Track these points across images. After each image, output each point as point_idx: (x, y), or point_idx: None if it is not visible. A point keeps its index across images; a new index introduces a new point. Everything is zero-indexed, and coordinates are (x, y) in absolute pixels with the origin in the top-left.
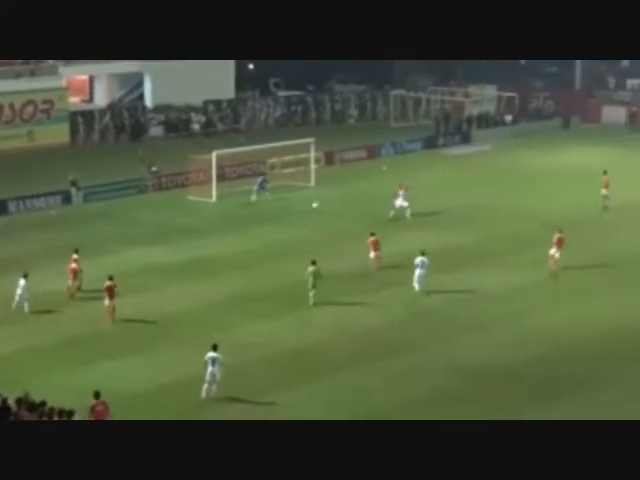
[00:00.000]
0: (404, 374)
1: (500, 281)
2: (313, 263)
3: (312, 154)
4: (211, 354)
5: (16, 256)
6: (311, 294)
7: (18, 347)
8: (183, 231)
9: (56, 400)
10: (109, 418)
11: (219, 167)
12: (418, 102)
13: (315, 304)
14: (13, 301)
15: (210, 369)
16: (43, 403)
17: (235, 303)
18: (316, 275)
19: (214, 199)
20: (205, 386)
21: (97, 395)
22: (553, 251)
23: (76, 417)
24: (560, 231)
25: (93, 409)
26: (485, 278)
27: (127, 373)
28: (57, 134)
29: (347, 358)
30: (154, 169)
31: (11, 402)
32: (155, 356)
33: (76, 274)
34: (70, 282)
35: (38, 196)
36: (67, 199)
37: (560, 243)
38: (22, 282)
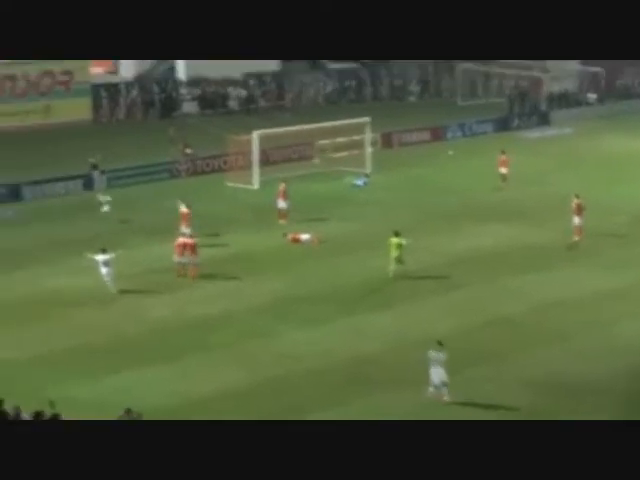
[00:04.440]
0: (476, 388)
1: (586, 284)
2: (396, 234)
3: (368, 136)
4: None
5: (27, 248)
6: (392, 267)
7: (33, 352)
8: (219, 222)
9: (72, 414)
10: None
11: (261, 149)
12: (489, 78)
13: (394, 278)
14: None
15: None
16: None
17: (279, 306)
18: (399, 247)
19: (255, 186)
20: None
21: (128, 411)
22: (576, 220)
23: None
24: (577, 196)
25: None
26: (569, 280)
27: (153, 385)
28: (77, 110)
29: (409, 371)
30: (188, 151)
31: (26, 416)
32: (186, 366)
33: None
34: (176, 258)
35: (56, 181)
36: (89, 184)
37: (580, 210)
38: (101, 257)
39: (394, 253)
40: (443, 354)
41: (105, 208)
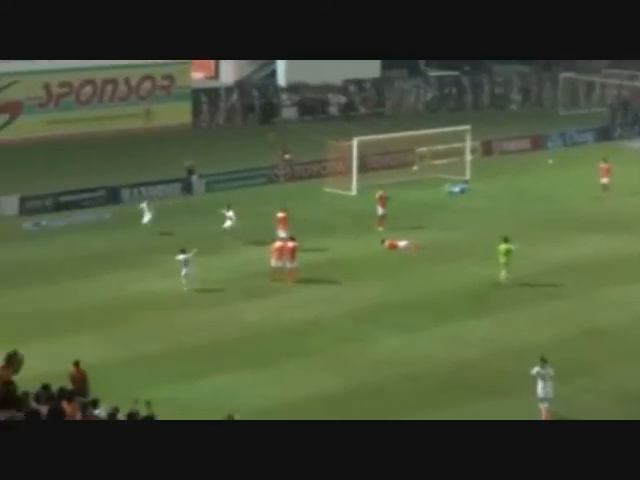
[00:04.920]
0: (573, 398)
1: None
2: (505, 240)
3: (468, 143)
4: None
5: (123, 251)
6: (503, 274)
7: (129, 354)
8: (317, 228)
9: (168, 416)
10: None
11: (360, 156)
12: (591, 87)
13: (505, 285)
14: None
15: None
16: (151, 418)
17: (376, 312)
18: (508, 254)
19: (354, 192)
20: None
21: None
22: (604, 180)
23: None
24: (605, 160)
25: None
26: None
27: (248, 388)
28: (178, 114)
29: (507, 379)
30: (287, 156)
31: (121, 417)
32: (279, 370)
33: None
34: (274, 262)
35: (155, 184)
36: (187, 188)
37: (608, 172)
38: (182, 257)
39: (502, 259)
40: (550, 369)
41: (146, 219)
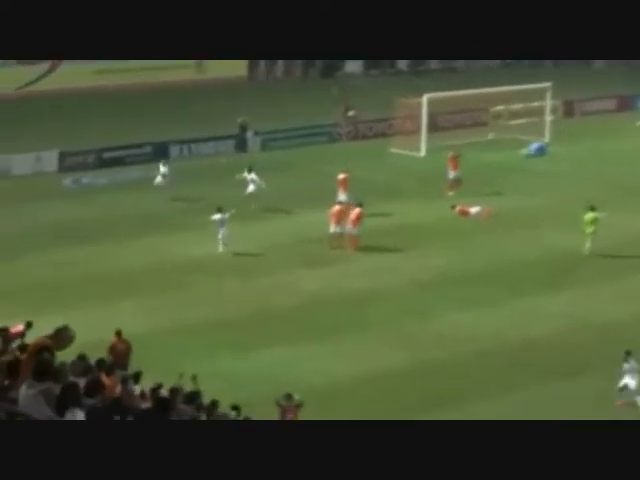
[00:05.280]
0: None
1: None
2: (592, 209)
3: (548, 102)
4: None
5: (170, 212)
6: (587, 245)
7: (170, 323)
8: (381, 191)
9: (216, 391)
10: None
11: (430, 114)
12: None
13: (587, 256)
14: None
15: None
16: (197, 394)
17: (443, 284)
18: (594, 223)
19: (422, 153)
20: None
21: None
22: None
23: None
24: None
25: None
26: None
27: (305, 362)
28: (232, 66)
29: (582, 358)
30: (350, 113)
31: (164, 392)
32: (337, 344)
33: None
34: (332, 227)
35: (206, 140)
36: (241, 145)
37: None
38: (217, 217)
39: (589, 229)
40: (635, 363)
41: (158, 179)
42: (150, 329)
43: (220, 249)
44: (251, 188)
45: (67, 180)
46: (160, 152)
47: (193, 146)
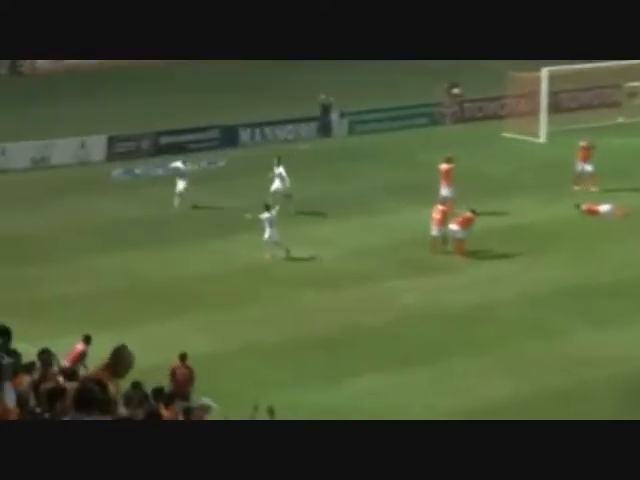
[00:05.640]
0: None
1: None
2: None
3: None
4: None
5: (241, 207)
6: None
7: (240, 343)
8: (492, 185)
9: None
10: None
11: (551, 92)
12: None
13: None
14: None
15: None
16: None
17: (567, 297)
18: None
19: (542, 139)
20: None
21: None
22: None
23: None
24: None
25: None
26: None
27: (396, 395)
28: None
29: None
30: (455, 91)
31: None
32: (441, 370)
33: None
34: (434, 230)
35: (283, 123)
36: (325, 129)
37: None
38: (266, 215)
39: None
40: None
41: (180, 187)
42: (216, 350)
43: (267, 255)
44: (277, 185)
45: (117, 171)
46: (228, 137)
47: (267, 129)
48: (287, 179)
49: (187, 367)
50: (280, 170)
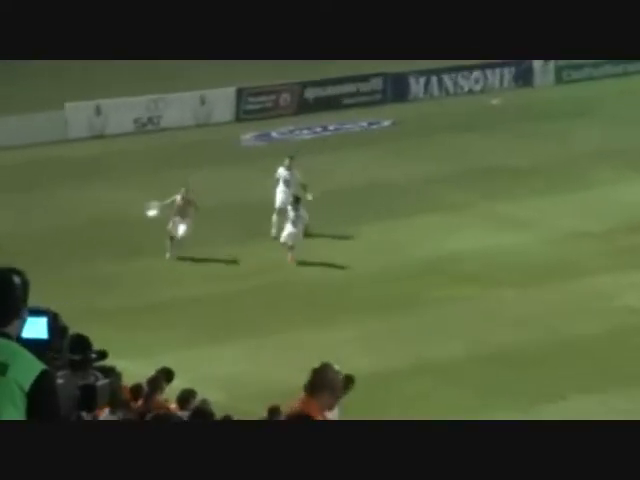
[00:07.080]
0: None
1: None
2: None
3: None
4: None
5: (420, 179)
6: None
7: (410, 360)
8: None
9: None
10: None
11: None
12: None
13: None
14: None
15: None
16: None
17: None
18: None
19: None
20: None
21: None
22: None
23: None
24: None
25: None
26: None
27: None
28: None
29: None
30: None
31: None
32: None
33: None
34: None
35: (468, 68)
36: (525, 77)
37: None
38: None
39: None
40: None
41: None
42: (378, 368)
43: (290, 260)
44: (281, 198)
45: (248, 135)
46: (394, 88)
47: (446, 78)
48: (295, 184)
49: None
50: (287, 174)
